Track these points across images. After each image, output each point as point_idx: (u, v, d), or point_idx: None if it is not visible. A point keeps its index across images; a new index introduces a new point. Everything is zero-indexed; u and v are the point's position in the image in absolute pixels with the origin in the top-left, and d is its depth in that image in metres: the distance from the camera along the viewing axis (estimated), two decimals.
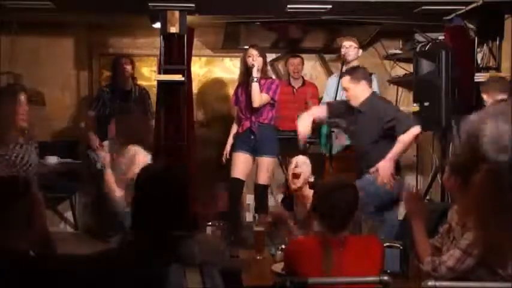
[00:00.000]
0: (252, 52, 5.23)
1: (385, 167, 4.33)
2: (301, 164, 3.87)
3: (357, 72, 4.60)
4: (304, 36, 6.31)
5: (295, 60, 6.29)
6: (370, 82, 4.63)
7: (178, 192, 2.24)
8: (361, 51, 5.54)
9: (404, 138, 4.33)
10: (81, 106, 6.46)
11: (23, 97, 4.03)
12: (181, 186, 2.27)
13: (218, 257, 2.27)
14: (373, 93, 4.65)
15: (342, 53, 5.45)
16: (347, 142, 5.44)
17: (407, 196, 3.13)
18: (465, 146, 4.26)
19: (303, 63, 6.34)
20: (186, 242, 2.16)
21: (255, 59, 5.18)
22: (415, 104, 5.34)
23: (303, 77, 6.40)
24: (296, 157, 3.96)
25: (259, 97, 5.13)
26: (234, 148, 5.40)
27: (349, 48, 5.43)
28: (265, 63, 5.34)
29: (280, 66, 6.73)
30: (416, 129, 4.36)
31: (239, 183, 5.31)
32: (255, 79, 5.13)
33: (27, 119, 4.05)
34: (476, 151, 3.85)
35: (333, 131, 5.43)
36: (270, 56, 6.29)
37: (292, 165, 3.87)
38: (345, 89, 4.62)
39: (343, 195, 2.69)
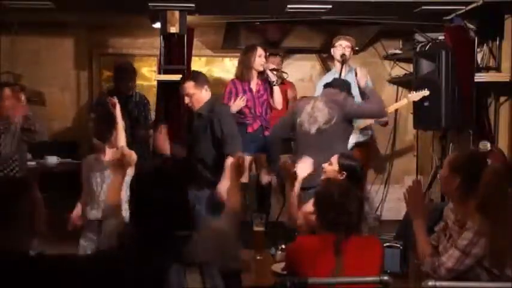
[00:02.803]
0: (261, 52, 5.18)
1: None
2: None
3: (200, 77, 4.51)
4: (304, 36, 6.30)
5: (276, 59, 6.07)
6: (209, 86, 4.51)
7: (178, 192, 2.24)
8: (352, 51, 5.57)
9: (228, 163, 3.77)
10: (82, 109, 6.47)
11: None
12: (181, 186, 2.27)
13: (219, 254, 2.26)
14: (215, 97, 4.54)
15: (340, 52, 5.42)
16: (356, 139, 5.41)
17: (409, 195, 3.09)
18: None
19: (282, 62, 6.27)
20: (186, 242, 2.15)
21: (264, 61, 5.18)
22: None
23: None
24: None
25: (282, 100, 5.31)
26: None
27: (345, 48, 5.41)
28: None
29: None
30: (238, 155, 3.88)
31: (243, 186, 5.28)
32: (275, 82, 5.21)
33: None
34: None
35: None
36: None
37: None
38: (187, 95, 4.45)
39: (348, 202, 2.66)
